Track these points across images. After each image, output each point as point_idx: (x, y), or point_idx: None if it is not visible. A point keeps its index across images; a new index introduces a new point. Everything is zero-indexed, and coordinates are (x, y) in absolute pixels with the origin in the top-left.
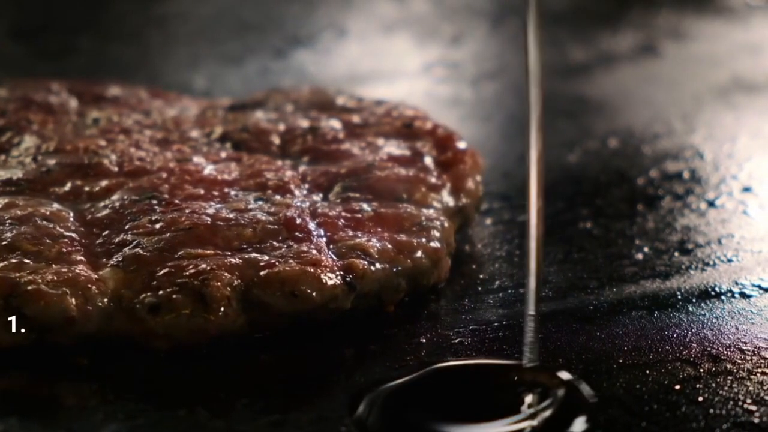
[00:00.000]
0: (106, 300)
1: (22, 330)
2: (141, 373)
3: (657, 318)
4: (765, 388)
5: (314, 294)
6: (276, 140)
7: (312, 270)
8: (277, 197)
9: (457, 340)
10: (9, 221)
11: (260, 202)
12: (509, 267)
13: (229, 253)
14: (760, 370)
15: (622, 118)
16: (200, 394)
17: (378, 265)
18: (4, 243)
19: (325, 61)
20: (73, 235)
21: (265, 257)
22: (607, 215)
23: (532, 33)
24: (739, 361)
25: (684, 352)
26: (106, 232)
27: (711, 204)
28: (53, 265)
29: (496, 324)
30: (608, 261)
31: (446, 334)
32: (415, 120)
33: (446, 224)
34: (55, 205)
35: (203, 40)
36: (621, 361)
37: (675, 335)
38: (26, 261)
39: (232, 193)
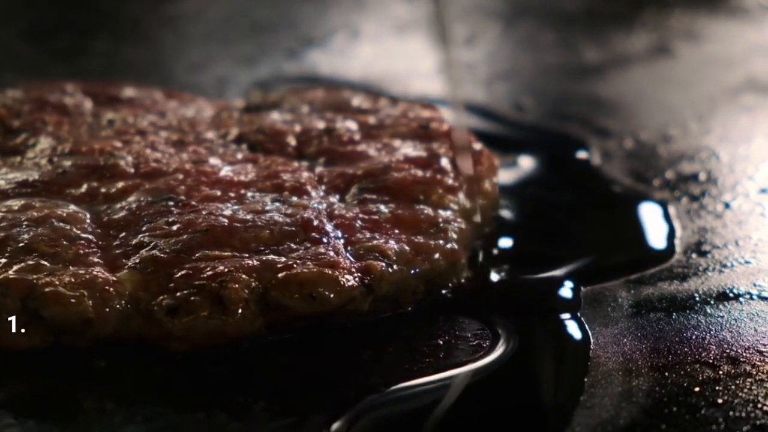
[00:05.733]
0: (123, 302)
1: (39, 332)
2: (159, 375)
3: (675, 320)
4: None
5: (332, 296)
6: (292, 141)
7: (330, 272)
8: (294, 199)
9: (475, 342)
10: (26, 223)
11: (277, 204)
12: (529, 267)
13: (247, 255)
14: None
15: (637, 119)
16: (218, 396)
17: (395, 267)
18: (21, 245)
19: (339, 62)
20: (90, 236)
21: (283, 259)
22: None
23: None
24: (759, 363)
25: (703, 354)
26: (123, 234)
27: (727, 205)
28: (70, 267)
29: (516, 325)
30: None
31: (464, 336)
32: (431, 121)
33: (463, 226)
34: (72, 207)
35: (216, 40)
36: (639, 363)
37: (693, 337)
38: (43, 263)
39: (249, 194)
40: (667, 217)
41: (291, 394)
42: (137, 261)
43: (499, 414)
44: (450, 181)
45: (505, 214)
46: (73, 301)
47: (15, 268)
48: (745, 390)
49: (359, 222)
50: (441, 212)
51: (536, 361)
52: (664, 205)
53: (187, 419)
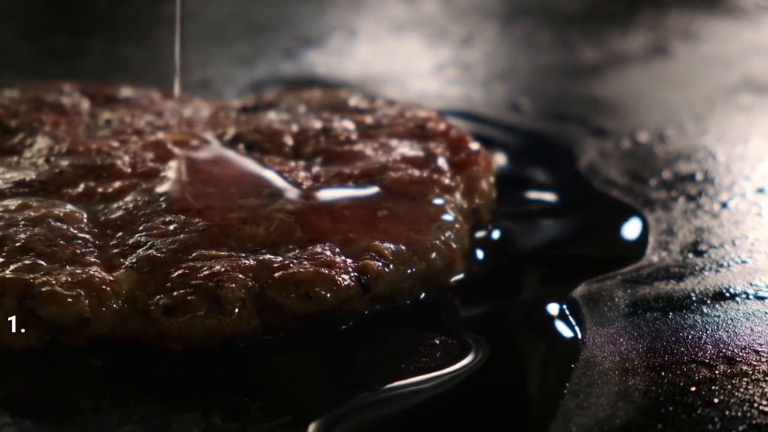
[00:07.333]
0: (120, 301)
1: (36, 332)
2: (155, 374)
3: (671, 320)
4: None
5: (328, 295)
6: (289, 141)
7: (326, 271)
8: (290, 199)
9: (472, 342)
10: (23, 223)
11: (273, 204)
12: (526, 267)
13: (243, 255)
14: None
15: (634, 119)
16: (215, 396)
17: (392, 267)
18: (17, 244)
19: (336, 62)
20: (87, 236)
21: (279, 259)
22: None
23: None
24: (755, 363)
25: (699, 354)
26: (120, 234)
27: (724, 205)
28: (67, 267)
29: (513, 324)
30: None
31: (461, 335)
32: (428, 121)
33: (460, 225)
34: (69, 207)
35: (213, 41)
36: (636, 362)
37: (690, 337)
38: (40, 262)
39: (245, 194)
40: (663, 217)
41: (287, 394)
42: (134, 260)
43: (495, 414)
44: (447, 181)
45: (503, 213)
46: (69, 300)
47: (12, 267)
48: (741, 389)
49: (356, 221)
50: (437, 212)
51: (532, 361)
52: (660, 205)
53: (183, 419)
